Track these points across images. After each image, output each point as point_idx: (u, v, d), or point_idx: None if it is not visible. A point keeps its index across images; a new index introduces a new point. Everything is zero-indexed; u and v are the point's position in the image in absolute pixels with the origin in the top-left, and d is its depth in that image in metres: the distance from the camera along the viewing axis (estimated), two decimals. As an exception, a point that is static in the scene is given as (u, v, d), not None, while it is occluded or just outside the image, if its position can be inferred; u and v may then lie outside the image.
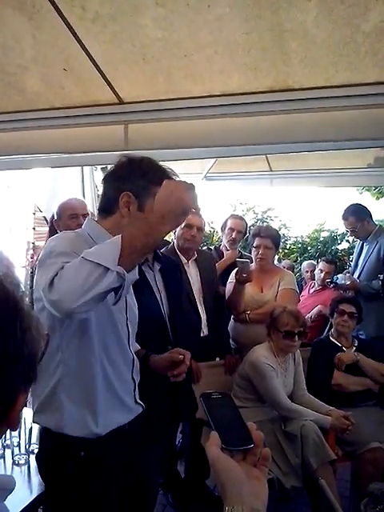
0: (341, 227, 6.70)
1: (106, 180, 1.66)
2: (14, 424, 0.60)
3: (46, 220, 4.14)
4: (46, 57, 2.18)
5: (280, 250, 7.54)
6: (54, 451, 1.59)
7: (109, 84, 2.27)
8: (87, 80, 2.28)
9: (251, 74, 2.07)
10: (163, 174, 1.56)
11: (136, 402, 1.74)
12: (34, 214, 5.70)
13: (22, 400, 0.60)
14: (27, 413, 2.29)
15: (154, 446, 1.95)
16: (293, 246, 7.75)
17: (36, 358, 0.61)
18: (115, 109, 2.40)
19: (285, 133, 2.23)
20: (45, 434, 1.62)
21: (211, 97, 2.23)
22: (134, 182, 1.56)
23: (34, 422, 1.65)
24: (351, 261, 5.31)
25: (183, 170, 5.32)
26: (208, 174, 5.32)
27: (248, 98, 2.17)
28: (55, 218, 2.92)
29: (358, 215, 4.01)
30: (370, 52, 1.87)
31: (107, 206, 1.62)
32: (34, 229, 5.70)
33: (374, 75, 1.98)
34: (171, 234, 4.57)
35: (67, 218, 2.79)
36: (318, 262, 5.57)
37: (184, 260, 3.10)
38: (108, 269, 1.25)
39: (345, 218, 4.07)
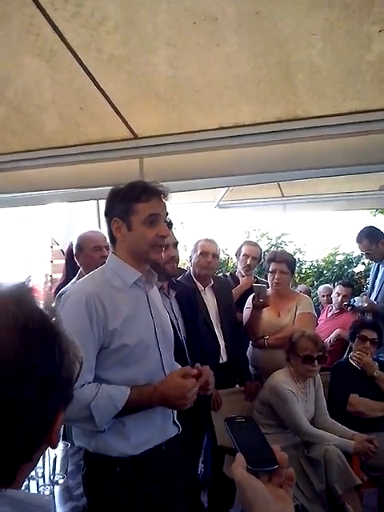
0: (356, 250, 6.67)
1: (104, 215, 1.79)
2: (54, 442, 0.64)
3: (63, 253, 4.21)
4: (63, 97, 2.29)
5: (295, 275, 7.51)
6: (92, 468, 1.71)
7: (123, 120, 2.36)
8: (102, 117, 2.38)
9: (261, 106, 2.15)
10: (143, 190, 1.67)
11: (174, 422, 1.79)
12: (52, 247, 5.80)
13: (60, 418, 0.64)
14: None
15: (178, 475, 1.96)
16: (308, 271, 7.73)
17: (73, 379, 0.65)
18: (130, 144, 2.50)
19: (295, 160, 2.30)
20: (86, 453, 1.72)
21: (222, 129, 2.31)
22: (117, 207, 1.69)
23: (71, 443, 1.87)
24: (368, 283, 5.29)
25: (196, 198, 5.45)
26: (221, 202, 5.41)
27: (258, 128, 2.25)
28: (75, 251, 2.97)
29: (371, 237, 4.01)
30: (375, 80, 1.94)
31: (111, 237, 1.77)
32: (51, 262, 5.79)
33: (380, 102, 2.04)
34: (186, 261, 4.62)
35: (91, 250, 2.84)
36: (334, 286, 5.54)
37: (200, 287, 3.14)
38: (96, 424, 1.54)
39: (359, 240, 4.09)
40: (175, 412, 1.79)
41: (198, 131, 2.33)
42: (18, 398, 0.56)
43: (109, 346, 1.60)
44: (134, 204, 1.66)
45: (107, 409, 1.53)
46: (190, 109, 2.23)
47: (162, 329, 1.79)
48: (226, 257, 8.03)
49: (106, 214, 1.75)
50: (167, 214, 1.75)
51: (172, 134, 2.39)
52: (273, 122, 2.21)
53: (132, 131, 2.43)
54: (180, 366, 2.03)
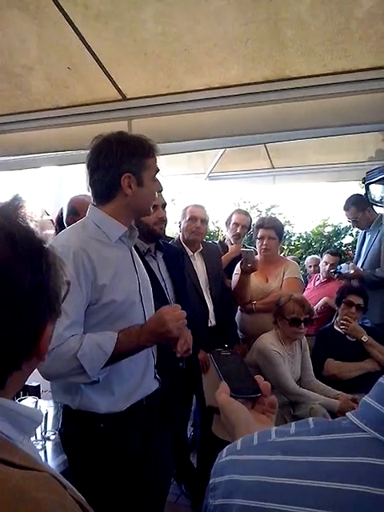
0: (344, 221, 6.72)
1: (98, 168, 1.67)
2: (42, 355, 0.66)
3: (53, 222, 4.20)
4: (50, 56, 2.26)
5: (285, 247, 7.57)
6: (74, 426, 1.69)
7: (112, 81, 2.34)
8: (91, 77, 2.36)
9: (249, 64, 2.13)
10: (149, 145, 1.68)
11: (155, 377, 1.82)
12: (42, 217, 5.78)
13: (49, 330, 0.66)
14: (42, 402, 2.38)
15: (167, 437, 2.00)
16: (297, 242, 7.78)
17: (60, 293, 0.67)
18: (119, 105, 2.48)
19: (284, 121, 2.30)
20: (66, 410, 1.70)
21: (210, 89, 2.30)
22: (129, 162, 1.64)
23: (54, 400, 1.80)
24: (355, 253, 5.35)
25: (187, 170, 5.44)
26: (211, 174, 5.40)
27: (246, 88, 2.24)
28: (66, 215, 2.94)
29: (358, 205, 4.04)
30: (364, 38, 1.93)
31: (107, 192, 1.68)
32: (41, 232, 5.78)
33: (368, 61, 2.04)
34: (175, 229, 4.62)
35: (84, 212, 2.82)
36: (322, 257, 5.60)
37: (189, 252, 3.16)
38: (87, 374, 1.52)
39: (346, 208, 4.12)
40: (155, 368, 1.82)
41: (187, 92, 2.33)
42: (6, 303, 0.58)
43: (97, 302, 1.58)
44: (145, 160, 1.66)
45: (96, 356, 1.52)
46: (178, 68, 2.21)
47: (144, 285, 1.79)
48: (216, 229, 8.06)
49: (107, 167, 1.64)
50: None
51: (160, 95, 2.38)
52: (261, 82, 2.21)
53: (121, 92, 2.41)
54: None
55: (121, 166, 1.64)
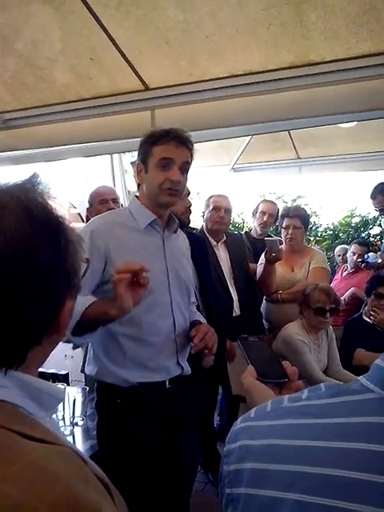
0: (372, 212, 6.59)
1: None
2: (62, 332, 0.67)
3: (81, 217, 4.26)
4: (73, 48, 2.28)
5: (311, 238, 7.48)
6: (99, 397, 1.83)
7: (134, 71, 2.35)
8: (113, 68, 2.37)
9: (272, 50, 2.10)
10: (164, 134, 1.69)
11: (178, 363, 1.82)
12: (69, 210, 5.85)
13: (68, 306, 0.66)
14: (70, 389, 2.43)
15: (193, 425, 2.02)
16: (324, 234, 7.68)
17: (78, 269, 0.68)
18: (141, 95, 2.49)
19: (309, 107, 2.27)
20: (96, 383, 1.84)
21: (234, 77, 2.28)
22: (141, 150, 1.75)
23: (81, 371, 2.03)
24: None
25: (211, 162, 5.41)
26: (235, 165, 5.36)
27: (270, 75, 2.21)
28: (88, 206, 3.03)
29: (386, 193, 3.95)
30: (390, 19, 1.88)
31: (137, 181, 1.84)
32: (69, 225, 5.85)
33: (395, 42, 1.99)
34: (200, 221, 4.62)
35: (98, 203, 2.92)
36: (350, 247, 5.51)
37: (213, 242, 3.16)
38: None
39: (373, 196, 4.01)
40: (179, 354, 1.83)
41: (209, 80, 2.31)
42: (25, 278, 0.59)
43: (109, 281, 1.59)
44: (151, 147, 1.70)
45: None
46: (200, 56, 2.20)
47: (176, 274, 1.81)
48: (242, 221, 8.02)
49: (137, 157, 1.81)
50: (189, 162, 1.74)
51: (182, 84, 2.37)
52: (285, 68, 2.18)
53: (143, 82, 2.42)
54: (198, 313, 2.07)
55: (138, 156, 1.77)
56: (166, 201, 1.72)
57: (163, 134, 1.69)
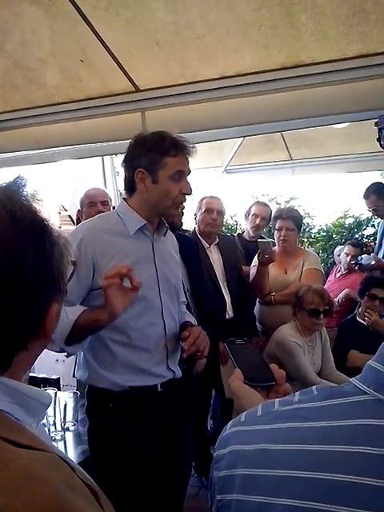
0: (365, 213, 6.60)
1: (123, 162, 1.79)
2: (48, 335, 0.65)
3: (72, 219, 4.24)
4: (62, 49, 2.26)
5: (304, 239, 7.47)
6: (90, 402, 1.81)
7: (124, 72, 2.33)
8: (104, 70, 2.35)
9: (263, 51, 2.10)
10: (173, 144, 1.67)
11: (168, 368, 1.81)
12: (60, 213, 5.84)
13: (54, 310, 0.65)
14: (61, 394, 2.40)
15: (187, 429, 2.01)
16: (318, 235, 7.67)
17: (65, 272, 0.67)
18: (132, 97, 2.48)
19: (300, 108, 2.26)
20: (87, 388, 1.82)
21: (225, 78, 2.27)
22: (143, 158, 1.68)
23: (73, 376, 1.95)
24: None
25: (203, 164, 5.40)
26: (228, 167, 5.35)
27: (261, 76, 2.20)
28: (79, 208, 3.02)
29: (379, 193, 3.94)
30: (381, 20, 1.88)
31: (128, 186, 1.78)
32: (59, 227, 5.82)
33: (385, 44, 1.98)
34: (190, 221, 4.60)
35: (87, 206, 2.90)
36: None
37: (206, 244, 3.14)
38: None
39: (366, 196, 4.02)
40: (169, 359, 1.82)
41: (200, 81, 2.30)
42: (9, 281, 0.58)
43: (98, 288, 1.59)
44: (163, 157, 1.66)
45: (60, 329, 1.50)
46: (191, 57, 2.19)
47: (165, 278, 1.80)
48: (235, 223, 8.00)
49: (126, 162, 1.75)
50: (189, 171, 1.75)
51: (173, 86, 2.36)
52: (276, 70, 2.17)
53: (133, 83, 2.40)
54: (188, 313, 2.06)
55: (135, 162, 1.71)
56: (175, 213, 1.75)
57: (172, 144, 1.67)
